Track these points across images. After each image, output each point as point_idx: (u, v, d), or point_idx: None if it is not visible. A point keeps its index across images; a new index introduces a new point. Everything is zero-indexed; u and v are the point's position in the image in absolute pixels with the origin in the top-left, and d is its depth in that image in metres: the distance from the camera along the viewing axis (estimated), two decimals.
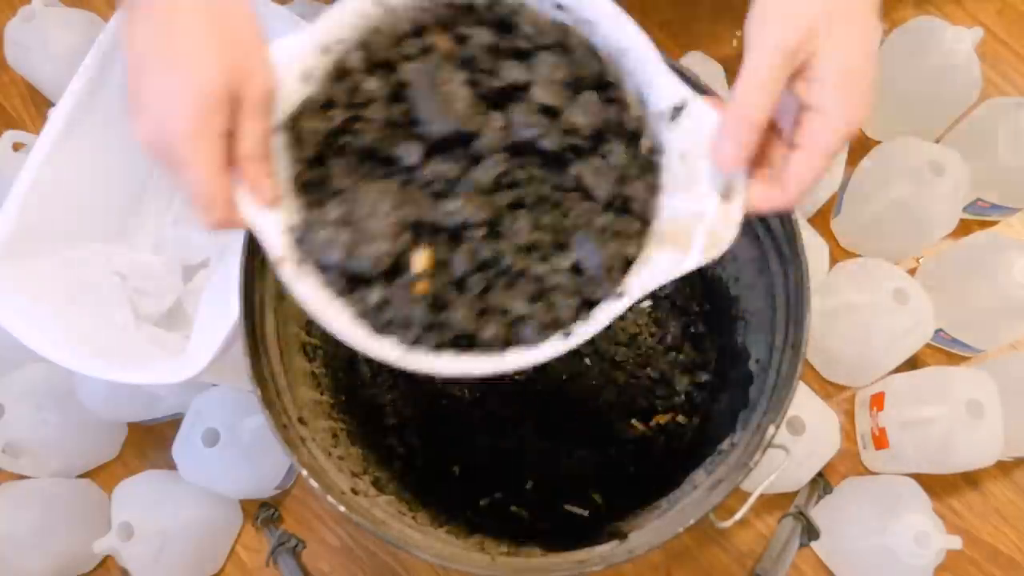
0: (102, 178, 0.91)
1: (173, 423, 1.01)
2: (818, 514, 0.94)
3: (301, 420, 0.70)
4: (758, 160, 0.43)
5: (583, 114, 0.43)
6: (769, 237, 0.70)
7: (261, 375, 0.67)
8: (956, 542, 0.82)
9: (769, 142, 0.43)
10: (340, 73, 0.43)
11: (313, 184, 0.44)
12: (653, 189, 0.44)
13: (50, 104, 1.21)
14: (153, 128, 0.37)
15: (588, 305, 0.44)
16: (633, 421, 0.89)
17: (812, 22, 0.39)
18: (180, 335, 0.98)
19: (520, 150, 0.44)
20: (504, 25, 0.44)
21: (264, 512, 1.00)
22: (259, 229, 0.43)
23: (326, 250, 0.43)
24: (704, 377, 0.90)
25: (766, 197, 0.43)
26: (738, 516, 0.66)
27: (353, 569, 1.01)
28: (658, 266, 0.43)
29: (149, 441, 1.07)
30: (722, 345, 0.84)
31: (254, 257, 0.69)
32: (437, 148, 0.44)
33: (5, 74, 1.25)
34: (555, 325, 0.44)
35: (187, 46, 0.35)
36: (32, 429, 0.95)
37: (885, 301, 0.88)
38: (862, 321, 0.91)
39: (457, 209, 0.43)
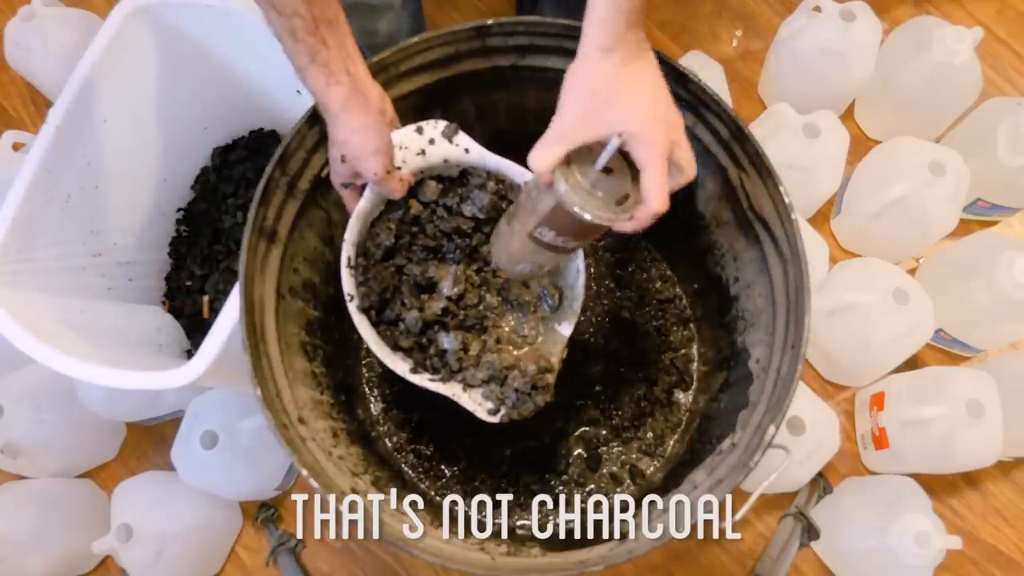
0: (102, 178, 0.91)
1: (172, 423, 1.01)
2: (818, 514, 0.94)
3: (301, 420, 0.70)
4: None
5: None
6: (769, 237, 0.70)
7: (261, 375, 0.66)
8: (956, 542, 0.82)
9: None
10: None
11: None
12: None
13: (50, 104, 1.20)
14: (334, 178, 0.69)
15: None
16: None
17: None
18: (179, 336, 0.98)
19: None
20: None
21: (264, 512, 1.00)
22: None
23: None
24: (705, 376, 0.90)
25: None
26: (738, 516, 0.66)
27: (353, 569, 1.01)
28: None
29: (149, 441, 1.07)
30: (722, 345, 0.84)
31: (255, 258, 0.69)
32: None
33: (5, 74, 1.25)
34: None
35: (334, 153, 0.65)
36: (31, 429, 0.95)
37: (885, 301, 0.88)
38: (862, 321, 0.90)
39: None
